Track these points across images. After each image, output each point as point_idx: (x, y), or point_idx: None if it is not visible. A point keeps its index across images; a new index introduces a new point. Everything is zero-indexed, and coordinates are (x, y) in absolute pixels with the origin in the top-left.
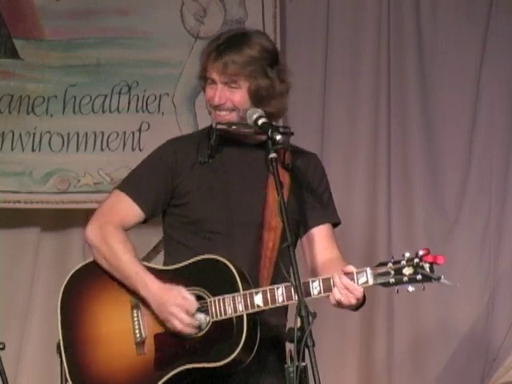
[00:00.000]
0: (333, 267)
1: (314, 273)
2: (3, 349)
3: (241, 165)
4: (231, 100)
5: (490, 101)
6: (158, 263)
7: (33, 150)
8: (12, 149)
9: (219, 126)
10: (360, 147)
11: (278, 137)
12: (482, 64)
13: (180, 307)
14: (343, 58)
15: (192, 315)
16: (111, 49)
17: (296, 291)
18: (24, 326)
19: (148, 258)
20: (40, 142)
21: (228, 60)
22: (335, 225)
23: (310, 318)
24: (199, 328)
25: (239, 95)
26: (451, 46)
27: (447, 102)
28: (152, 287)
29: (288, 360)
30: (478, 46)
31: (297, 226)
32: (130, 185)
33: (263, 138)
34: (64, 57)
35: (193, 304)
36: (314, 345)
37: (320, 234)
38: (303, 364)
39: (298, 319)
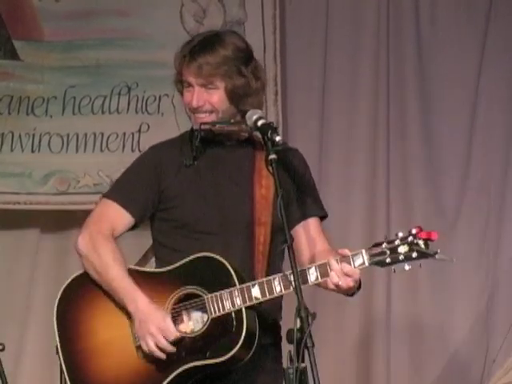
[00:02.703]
0: (325, 257)
1: (306, 264)
2: (3, 350)
3: (225, 164)
4: (209, 101)
5: (489, 101)
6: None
7: (32, 151)
8: (12, 150)
9: (203, 127)
10: (359, 148)
11: (278, 138)
12: (481, 64)
13: (160, 330)
14: (342, 59)
15: (168, 342)
16: (111, 50)
17: (296, 293)
18: (23, 327)
19: (138, 266)
20: (39, 142)
21: (202, 62)
22: (322, 218)
23: (310, 318)
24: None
25: (217, 96)
26: (450, 46)
27: (446, 102)
28: (139, 304)
29: (288, 361)
30: (477, 47)
31: (287, 220)
32: (118, 192)
33: (246, 134)
34: (64, 58)
35: (172, 333)
36: (313, 346)
37: (309, 228)
38: (303, 365)
39: (298, 320)
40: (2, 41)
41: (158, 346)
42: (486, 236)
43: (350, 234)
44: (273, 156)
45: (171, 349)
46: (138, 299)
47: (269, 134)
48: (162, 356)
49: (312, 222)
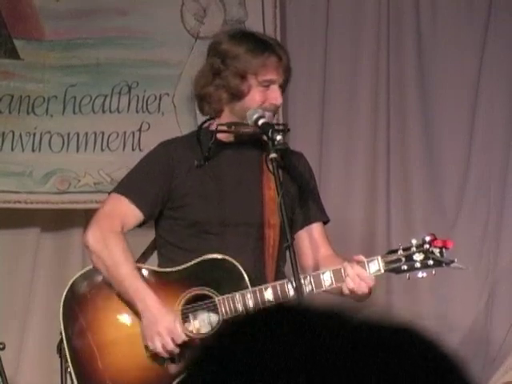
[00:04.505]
0: (330, 263)
1: (309, 269)
2: (3, 349)
3: (235, 165)
4: (281, 100)
5: (490, 101)
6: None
7: (33, 150)
8: (12, 149)
9: (220, 128)
10: (359, 148)
11: (279, 137)
12: (482, 64)
13: (168, 331)
14: (343, 58)
15: (175, 345)
16: (111, 49)
17: (296, 291)
18: (24, 326)
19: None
20: (40, 142)
21: (288, 60)
22: (325, 222)
23: None
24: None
25: (281, 95)
26: (451, 45)
27: (446, 102)
28: (150, 305)
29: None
30: (477, 46)
31: (291, 224)
32: (127, 187)
33: (256, 135)
34: (64, 57)
35: (181, 336)
36: None
37: (312, 232)
38: None
39: None
40: (2, 40)
41: (164, 348)
42: (486, 236)
43: (350, 235)
44: (273, 155)
45: (177, 352)
46: (148, 300)
47: (269, 134)
48: (167, 356)
49: (316, 227)
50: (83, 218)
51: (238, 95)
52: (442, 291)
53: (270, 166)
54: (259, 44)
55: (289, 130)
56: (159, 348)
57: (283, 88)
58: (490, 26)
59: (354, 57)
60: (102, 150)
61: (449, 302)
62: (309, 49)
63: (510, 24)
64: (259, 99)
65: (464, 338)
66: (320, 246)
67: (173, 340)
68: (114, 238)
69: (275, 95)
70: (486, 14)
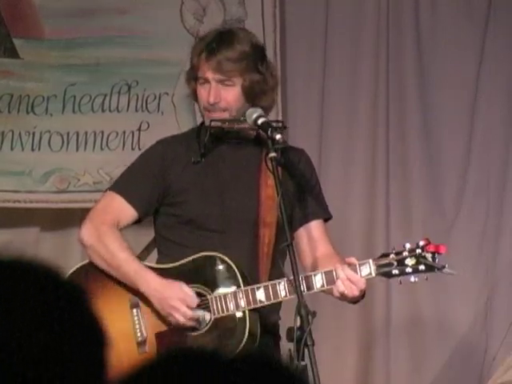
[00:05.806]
0: (328, 262)
1: (308, 268)
2: None
3: (232, 162)
4: (225, 99)
5: (489, 101)
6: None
7: (32, 150)
8: (12, 148)
9: (213, 124)
10: (358, 148)
11: (278, 136)
12: (481, 64)
13: (181, 301)
14: (342, 58)
15: (193, 309)
16: (111, 48)
17: (296, 291)
18: None
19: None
20: (40, 141)
21: (221, 57)
22: (326, 220)
23: (310, 317)
24: (199, 323)
25: (233, 93)
26: (450, 45)
27: (446, 102)
28: (152, 283)
29: (288, 359)
30: (476, 46)
31: (290, 222)
32: (123, 185)
33: (254, 133)
34: (64, 56)
35: (194, 298)
36: (313, 344)
37: (313, 230)
38: (303, 363)
39: (298, 318)
40: (1, 39)
41: (186, 318)
42: (485, 236)
43: (349, 235)
44: (272, 154)
45: (201, 313)
46: (149, 279)
47: (269, 133)
48: (196, 325)
49: (314, 225)
50: (82, 217)
51: (194, 97)
52: (441, 290)
53: (270, 166)
54: (199, 42)
55: (286, 127)
56: (182, 320)
57: (246, 86)
58: (490, 26)
59: (354, 57)
60: (102, 149)
61: (448, 300)
62: (308, 48)
63: (510, 24)
64: (199, 98)
65: (463, 338)
66: (318, 244)
67: (188, 306)
68: (107, 231)
69: (206, 94)
70: (485, 14)
